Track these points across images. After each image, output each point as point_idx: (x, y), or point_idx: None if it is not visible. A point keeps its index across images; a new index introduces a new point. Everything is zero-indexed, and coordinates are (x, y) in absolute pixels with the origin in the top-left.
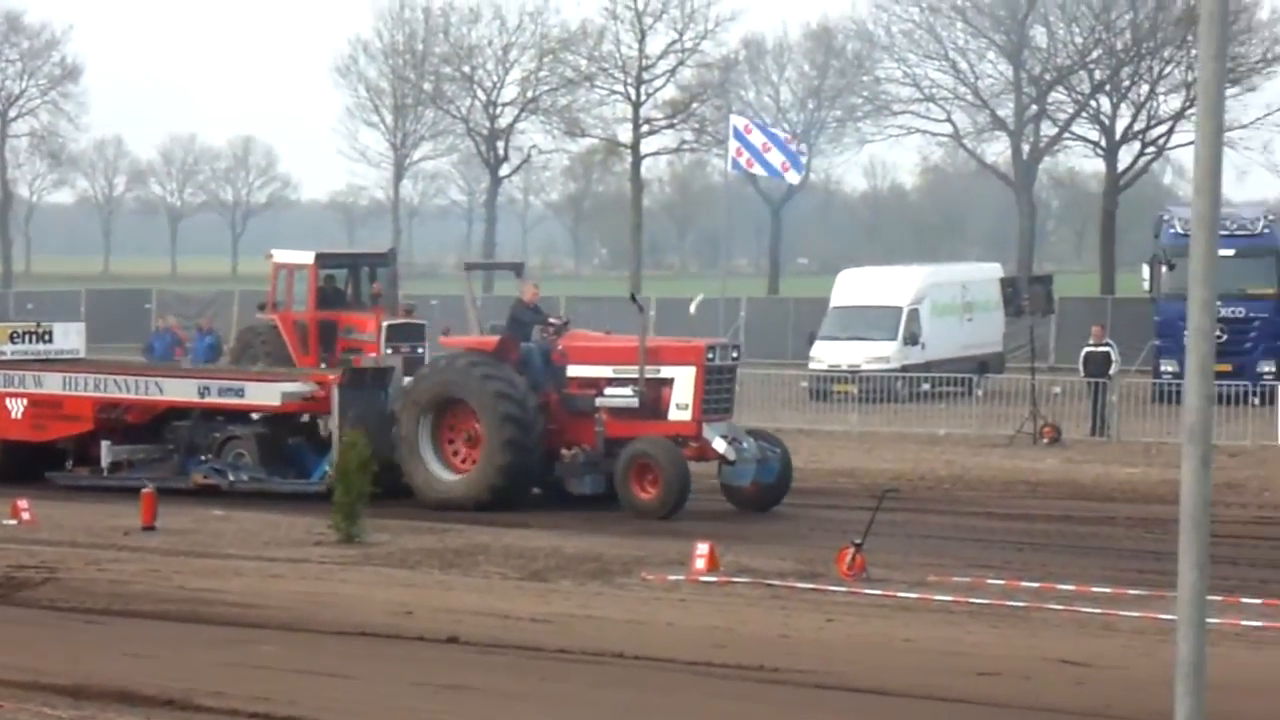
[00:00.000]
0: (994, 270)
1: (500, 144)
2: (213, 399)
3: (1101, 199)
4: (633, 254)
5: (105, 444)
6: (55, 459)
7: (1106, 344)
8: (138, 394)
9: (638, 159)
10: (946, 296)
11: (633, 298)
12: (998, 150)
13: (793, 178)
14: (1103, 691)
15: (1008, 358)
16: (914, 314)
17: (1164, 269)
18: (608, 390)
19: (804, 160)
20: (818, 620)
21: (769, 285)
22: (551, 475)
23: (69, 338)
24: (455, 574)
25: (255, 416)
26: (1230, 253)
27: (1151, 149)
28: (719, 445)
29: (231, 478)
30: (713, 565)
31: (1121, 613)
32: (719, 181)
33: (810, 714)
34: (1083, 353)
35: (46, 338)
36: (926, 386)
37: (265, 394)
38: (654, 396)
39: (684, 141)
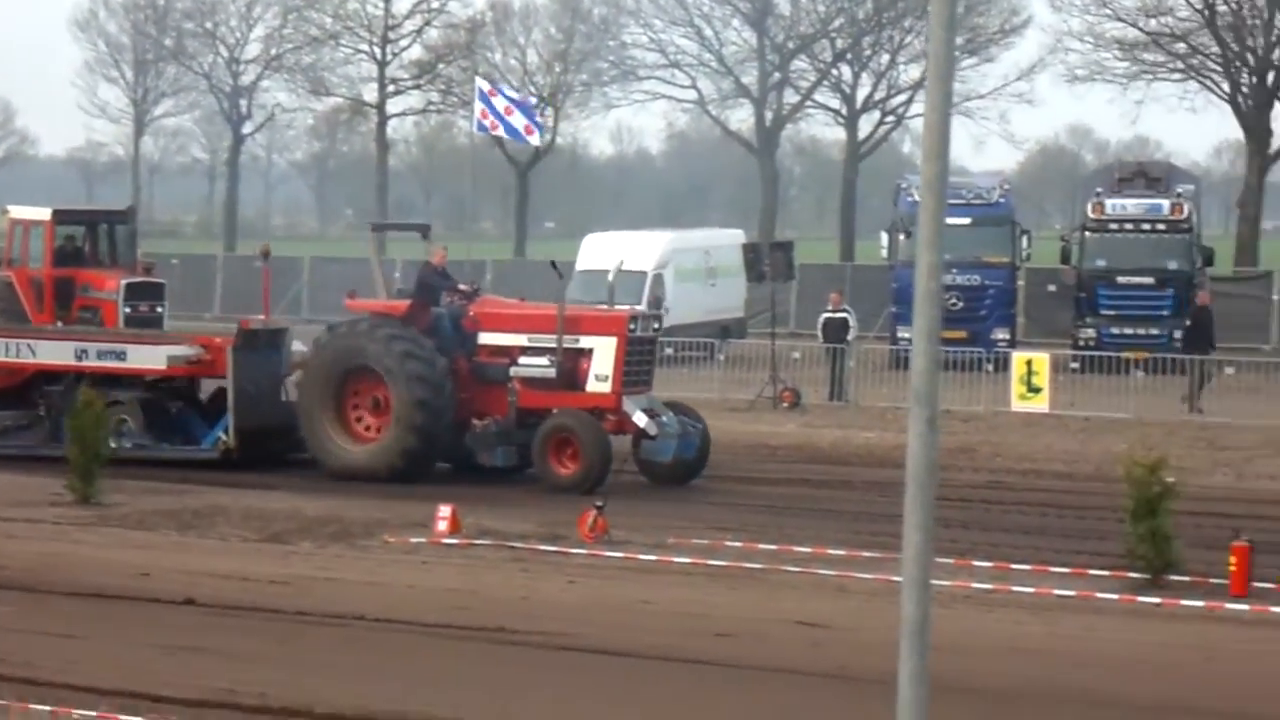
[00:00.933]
0: (737, 236)
1: (243, 101)
2: (91, 363)
3: (842, 167)
4: (378, 215)
5: None
6: None
7: (845, 310)
8: (5, 357)
9: (383, 119)
10: (690, 262)
11: (552, 264)
12: (741, 117)
13: (534, 140)
14: (837, 652)
15: (749, 323)
16: (658, 279)
17: (901, 237)
18: (522, 359)
19: (545, 125)
20: (559, 582)
21: (515, 248)
22: (460, 448)
23: None
24: (193, 535)
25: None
26: (966, 221)
27: (891, 118)
28: (639, 419)
29: (114, 445)
30: (455, 528)
31: (856, 574)
32: (465, 144)
33: (551, 675)
34: (821, 319)
35: None
36: (670, 351)
37: (149, 358)
38: (571, 367)
39: (430, 103)
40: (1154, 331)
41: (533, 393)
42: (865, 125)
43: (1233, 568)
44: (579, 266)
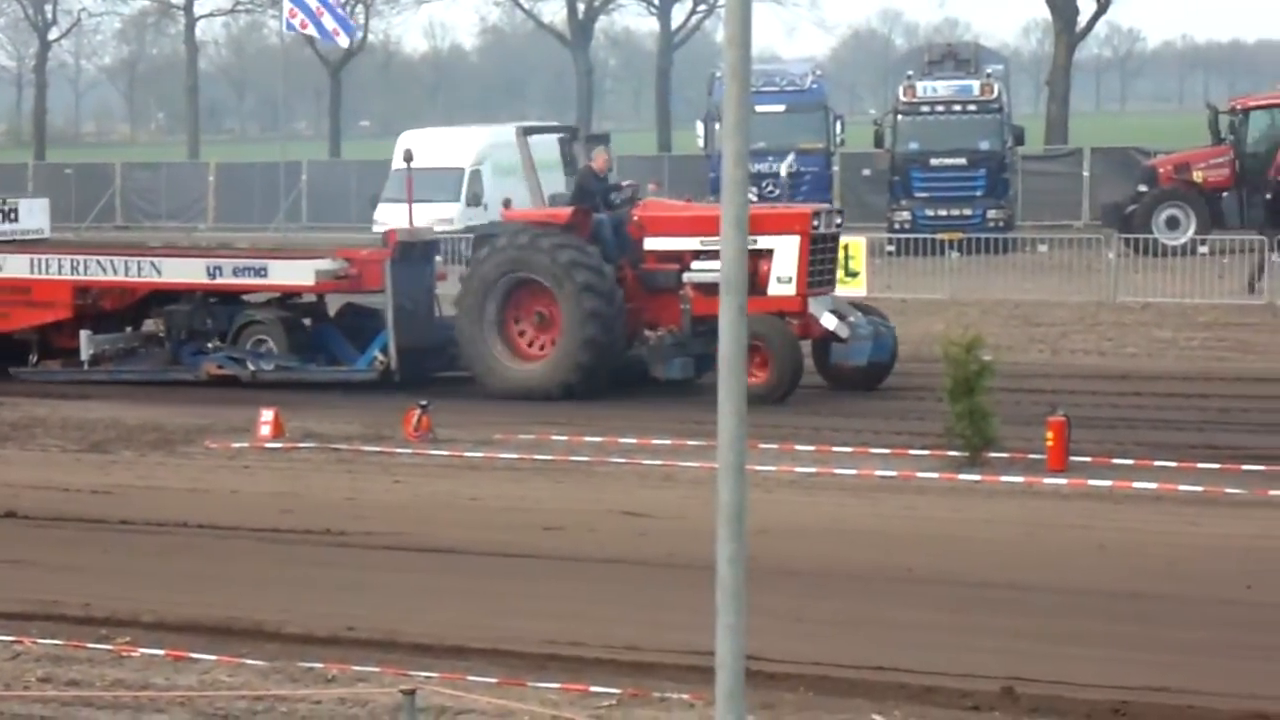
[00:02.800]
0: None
1: (49, 7)
2: (226, 280)
3: (656, 57)
4: (189, 118)
5: (85, 334)
6: (13, 352)
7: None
8: (128, 276)
9: (191, 21)
10: (508, 157)
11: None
12: (554, 10)
13: (343, 41)
14: (664, 540)
15: None
16: (476, 175)
17: (717, 125)
18: (695, 264)
19: (356, 25)
20: (384, 482)
21: (330, 148)
22: (626, 361)
23: (34, 215)
24: (12, 447)
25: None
26: (780, 109)
27: (703, 7)
28: (828, 321)
29: (253, 367)
30: (278, 432)
31: (681, 463)
32: (276, 44)
33: (380, 575)
34: None
35: (12, 216)
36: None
37: (295, 273)
38: (750, 269)
39: (238, 3)
40: (967, 212)
41: (708, 299)
42: (678, 14)
43: (1050, 443)
44: (395, 165)
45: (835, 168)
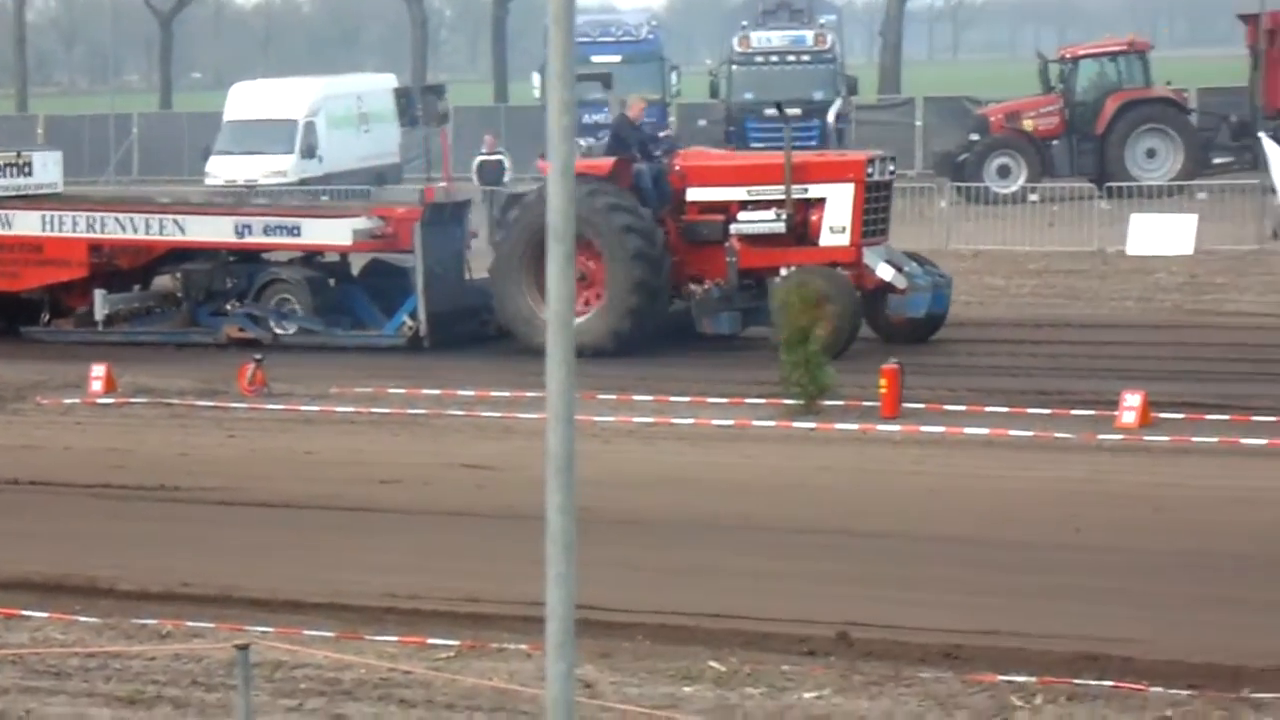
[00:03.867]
0: (388, 81)
1: None
2: (256, 239)
3: (492, 7)
4: (17, 71)
5: (100, 293)
6: (26, 310)
7: (499, 152)
8: (149, 235)
9: None
10: (342, 108)
11: (778, 107)
12: None
13: None
14: (504, 492)
15: (404, 168)
16: (310, 126)
17: None
18: (742, 215)
19: None
20: (219, 437)
21: (161, 100)
22: (669, 314)
23: (48, 169)
24: None
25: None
26: (616, 59)
27: None
28: (884, 272)
29: (278, 330)
30: (110, 387)
31: (520, 415)
32: None
33: (214, 530)
34: (476, 161)
35: (26, 170)
36: (326, 199)
37: (330, 233)
38: (801, 219)
39: None
40: None
41: (756, 251)
42: None
43: (883, 390)
44: (228, 117)
45: (672, 118)
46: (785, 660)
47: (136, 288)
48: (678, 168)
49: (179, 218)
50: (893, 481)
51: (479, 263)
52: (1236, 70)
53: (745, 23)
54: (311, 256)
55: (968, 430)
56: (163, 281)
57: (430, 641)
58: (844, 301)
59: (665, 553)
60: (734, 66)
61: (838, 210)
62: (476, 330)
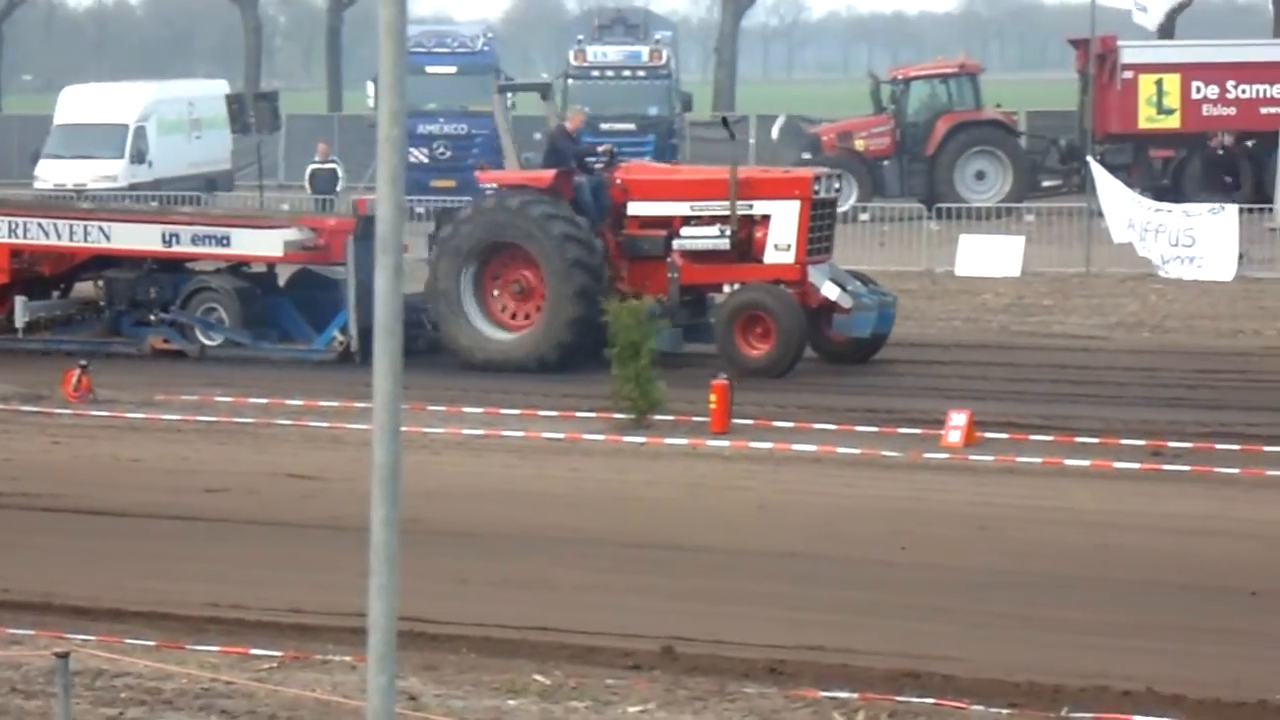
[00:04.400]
0: (220, 87)
1: None
2: (183, 249)
3: (326, 16)
4: None
5: (20, 300)
6: None
7: (333, 161)
8: (73, 241)
9: None
10: (173, 113)
11: (724, 122)
12: None
13: None
14: (331, 503)
15: (236, 175)
16: (140, 131)
17: None
18: (685, 230)
19: None
20: (42, 443)
21: None
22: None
23: None
24: None
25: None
26: (452, 70)
27: None
28: (829, 290)
29: (204, 341)
30: None
31: (349, 425)
32: None
33: (36, 538)
34: (309, 170)
35: None
36: (155, 204)
37: (261, 244)
38: (744, 236)
39: None
40: None
41: (698, 267)
42: None
43: (713, 405)
44: (57, 120)
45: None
46: (610, 674)
47: (56, 294)
48: (619, 181)
49: (104, 224)
50: (721, 497)
51: (411, 278)
52: (1066, 94)
53: (581, 37)
54: (238, 266)
55: (796, 447)
56: (84, 289)
57: (253, 652)
58: (789, 320)
59: (493, 565)
60: (570, 80)
61: (783, 227)
62: (408, 345)
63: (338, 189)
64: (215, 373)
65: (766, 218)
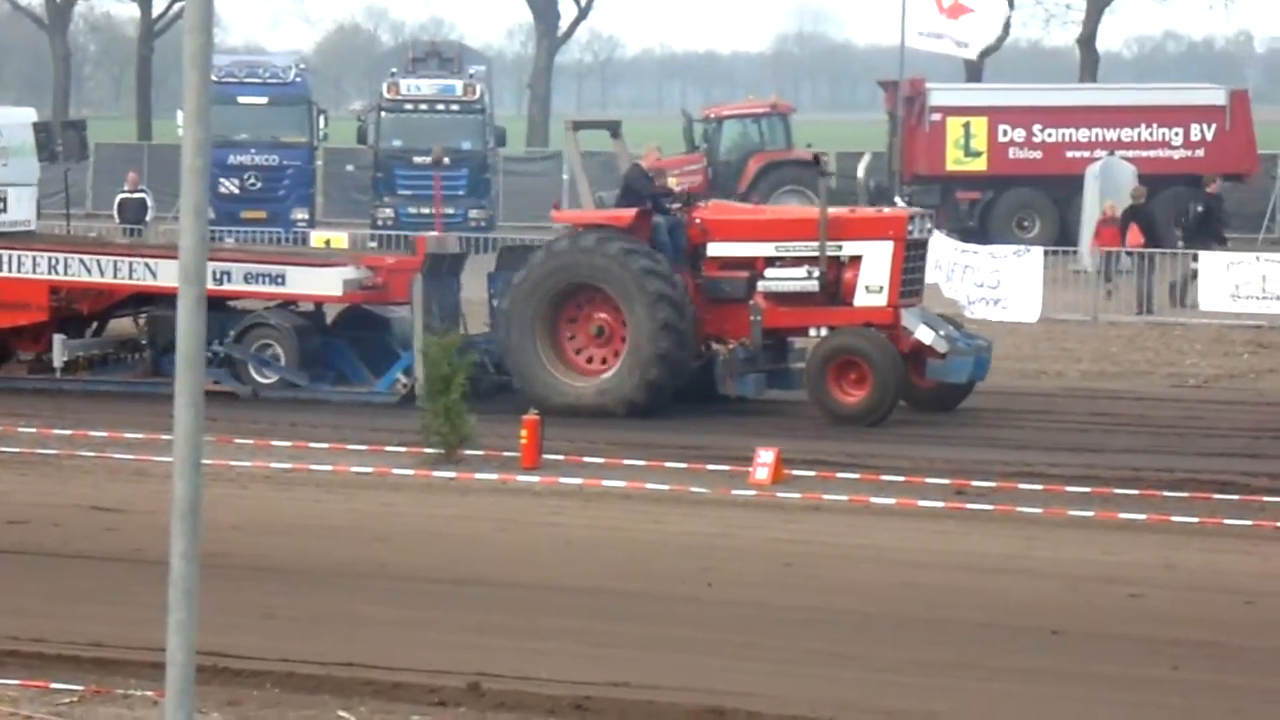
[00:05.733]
0: (28, 115)
1: None
2: (235, 286)
3: (137, 44)
4: None
5: (59, 338)
6: None
7: (142, 190)
8: (118, 278)
9: None
10: None
11: (815, 159)
12: None
13: None
14: (133, 535)
15: (43, 204)
16: None
17: None
18: (769, 272)
19: None
20: None
21: None
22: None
23: (21, 206)
24: None
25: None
26: (263, 101)
27: None
28: (924, 335)
29: (259, 378)
30: None
31: (155, 458)
32: None
33: None
34: (118, 199)
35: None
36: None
37: (319, 283)
38: (833, 277)
39: None
40: (449, 211)
41: (782, 310)
42: (159, 2)
43: (524, 441)
44: None
45: (319, 162)
46: (416, 710)
47: (89, 332)
48: (698, 221)
49: (150, 261)
50: (530, 532)
51: (473, 318)
52: (876, 135)
53: (395, 70)
54: (283, 305)
55: (606, 483)
56: (120, 326)
57: (54, 686)
58: (886, 366)
59: (299, 600)
60: (383, 113)
61: (875, 269)
62: (473, 388)
63: (147, 219)
64: (17, 402)
65: (858, 259)
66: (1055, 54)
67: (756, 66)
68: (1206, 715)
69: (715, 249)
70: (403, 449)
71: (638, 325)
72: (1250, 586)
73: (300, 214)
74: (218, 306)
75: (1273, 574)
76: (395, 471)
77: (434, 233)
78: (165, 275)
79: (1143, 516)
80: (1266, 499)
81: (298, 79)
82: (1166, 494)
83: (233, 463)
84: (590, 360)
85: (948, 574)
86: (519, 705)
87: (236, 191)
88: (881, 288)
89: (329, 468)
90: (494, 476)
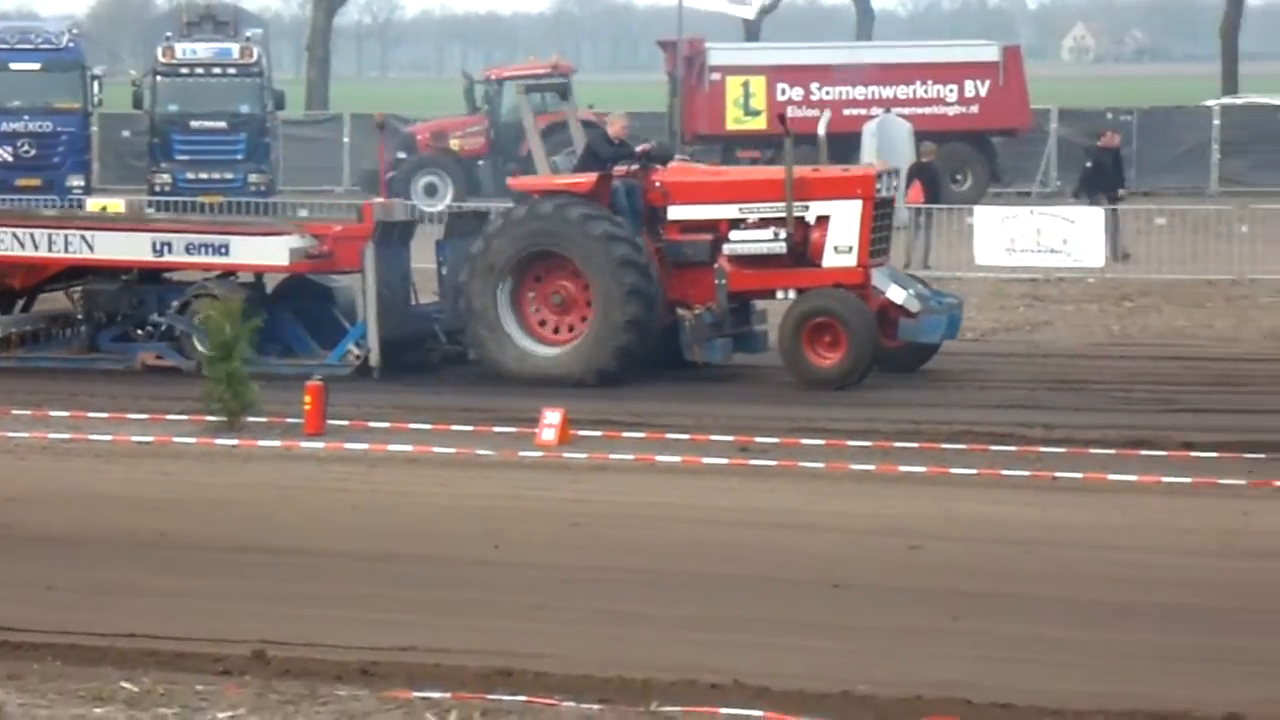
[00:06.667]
0: None
1: None
2: (176, 258)
3: None
4: None
5: None
6: None
7: None
8: (52, 252)
9: None
10: None
11: (781, 120)
12: None
13: None
14: None
15: None
16: None
17: None
18: (734, 234)
19: None
20: None
21: None
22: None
23: None
24: None
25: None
26: (36, 67)
27: None
28: (895, 294)
29: (203, 350)
30: None
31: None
32: None
33: None
34: None
35: None
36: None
37: (264, 252)
38: (800, 238)
39: None
40: (229, 176)
41: (748, 273)
42: None
43: (307, 407)
44: None
45: (94, 129)
46: (200, 680)
47: (18, 308)
48: (658, 184)
49: (87, 233)
50: (314, 498)
51: (423, 289)
52: (657, 95)
53: (169, 34)
54: (225, 275)
55: (392, 447)
56: (53, 301)
57: None
58: (861, 327)
59: (79, 571)
60: (158, 78)
61: (844, 228)
62: (424, 359)
63: None
64: None
65: (825, 219)
66: (832, 13)
67: (537, 27)
68: (986, 664)
69: (676, 212)
70: (184, 417)
71: (605, 292)
72: (1028, 536)
73: (76, 181)
74: (156, 279)
75: (1050, 523)
76: (176, 440)
77: (380, 199)
78: (103, 247)
79: (923, 469)
80: (1043, 449)
81: (71, 44)
82: (945, 446)
83: (9, 434)
84: (557, 330)
85: (732, 530)
86: (305, 672)
87: (10, 159)
88: (851, 248)
89: (109, 437)
90: (277, 443)
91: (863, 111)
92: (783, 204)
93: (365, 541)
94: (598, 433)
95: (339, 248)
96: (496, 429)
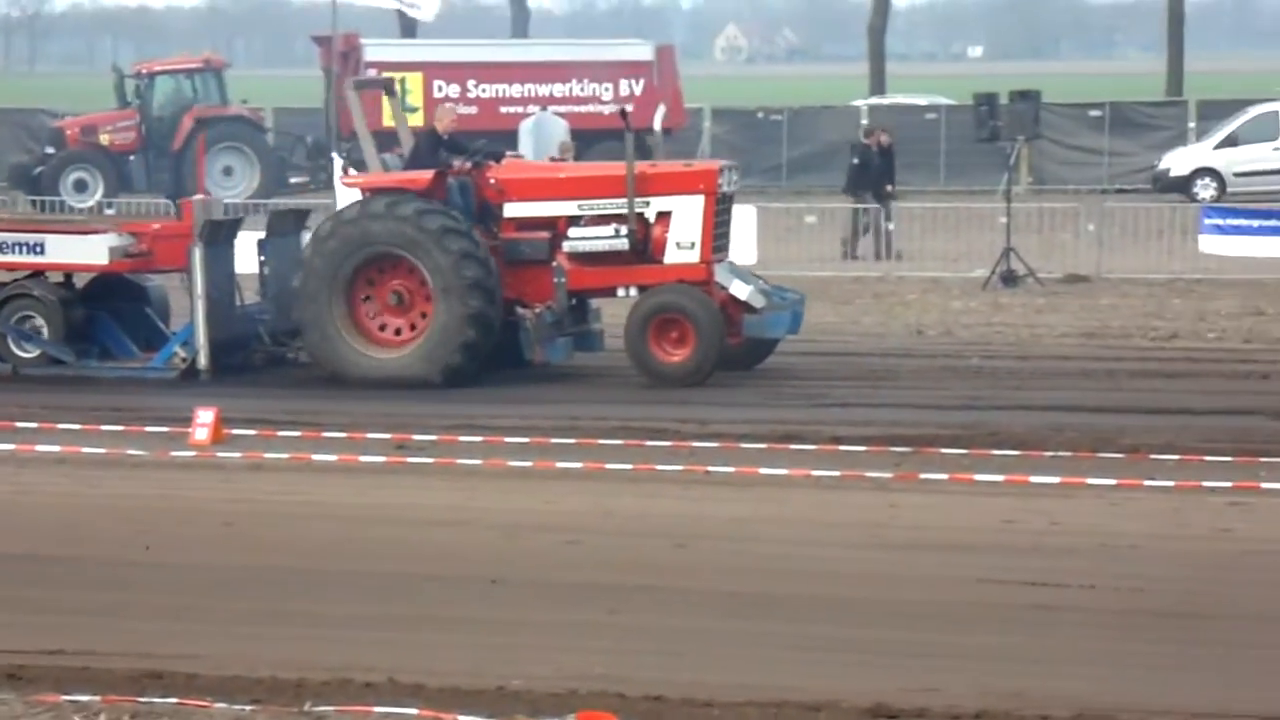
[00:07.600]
0: None
1: None
2: None
3: None
4: None
5: None
6: None
7: None
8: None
9: None
10: None
11: (622, 113)
12: None
13: None
14: None
15: None
16: None
17: None
18: (573, 231)
19: None
20: None
21: None
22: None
23: None
24: None
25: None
26: None
27: None
28: (740, 290)
29: (19, 352)
30: None
31: None
32: None
33: None
34: None
35: None
36: None
37: (83, 251)
38: (642, 235)
39: None
40: None
41: (588, 270)
42: None
43: None
44: None
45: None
46: None
47: None
48: (492, 181)
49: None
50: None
51: (246, 288)
52: (313, 91)
53: None
54: (40, 275)
55: (39, 448)
56: None
57: None
58: (709, 323)
59: None
60: None
61: (686, 224)
62: (245, 360)
63: None
64: None
65: (667, 215)
66: (488, 11)
67: (191, 21)
68: (640, 657)
69: (513, 209)
70: None
71: (445, 287)
72: (682, 529)
73: None
74: None
75: (703, 516)
76: None
77: (199, 196)
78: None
79: (579, 465)
80: (695, 444)
81: None
82: (602, 442)
83: None
84: (398, 331)
85: (389, 528)
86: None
87: None
88: (694, 243)
89: None
90: None
91: (519, 109)
92: (622, 200)
93: (10, 543)
94: (252, 431)
95: (158, 246)
96: (149, 429)
